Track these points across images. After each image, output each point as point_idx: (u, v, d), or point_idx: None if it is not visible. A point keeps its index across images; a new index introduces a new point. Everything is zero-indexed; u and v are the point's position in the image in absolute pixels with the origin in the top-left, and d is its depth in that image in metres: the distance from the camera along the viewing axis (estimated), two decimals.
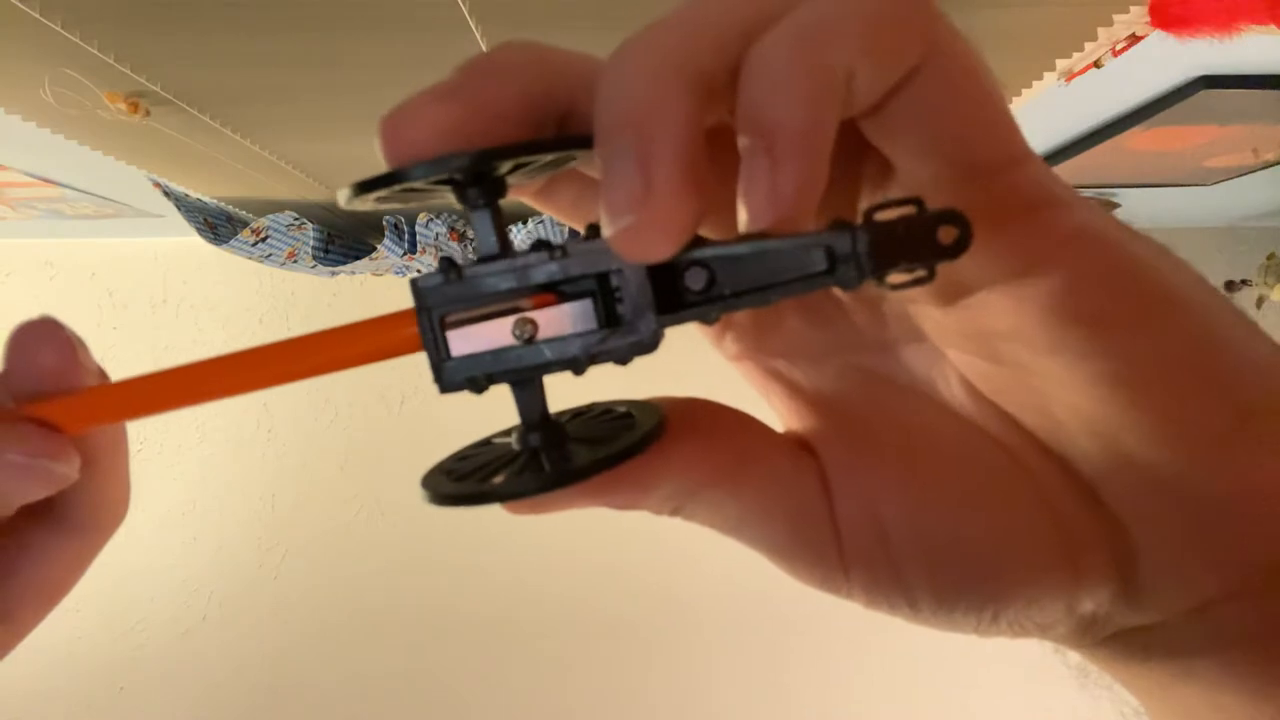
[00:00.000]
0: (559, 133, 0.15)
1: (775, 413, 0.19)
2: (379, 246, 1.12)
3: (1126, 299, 0.14)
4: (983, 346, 0.16)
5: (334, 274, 1.20)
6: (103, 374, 0.18)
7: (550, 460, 0.16)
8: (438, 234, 1.14)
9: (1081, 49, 0.65)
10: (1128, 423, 0.15)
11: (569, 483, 0.15)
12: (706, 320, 0.15)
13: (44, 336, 0.16)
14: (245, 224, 1.11)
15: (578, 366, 0.15)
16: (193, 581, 1.43)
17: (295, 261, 1.13)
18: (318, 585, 1.45)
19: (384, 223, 1.12)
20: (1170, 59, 0.70)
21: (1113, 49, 0.64)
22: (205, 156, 0.86)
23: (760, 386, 0.20)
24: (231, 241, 1.07)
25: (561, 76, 0.15)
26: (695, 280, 0.15)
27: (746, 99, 0.13)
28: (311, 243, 1.12)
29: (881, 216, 0.13)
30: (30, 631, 0.20)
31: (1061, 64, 0.68)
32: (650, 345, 0.15)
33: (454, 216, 1.16)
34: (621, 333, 0.15)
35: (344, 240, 1.20)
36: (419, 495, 0.16)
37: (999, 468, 0.17)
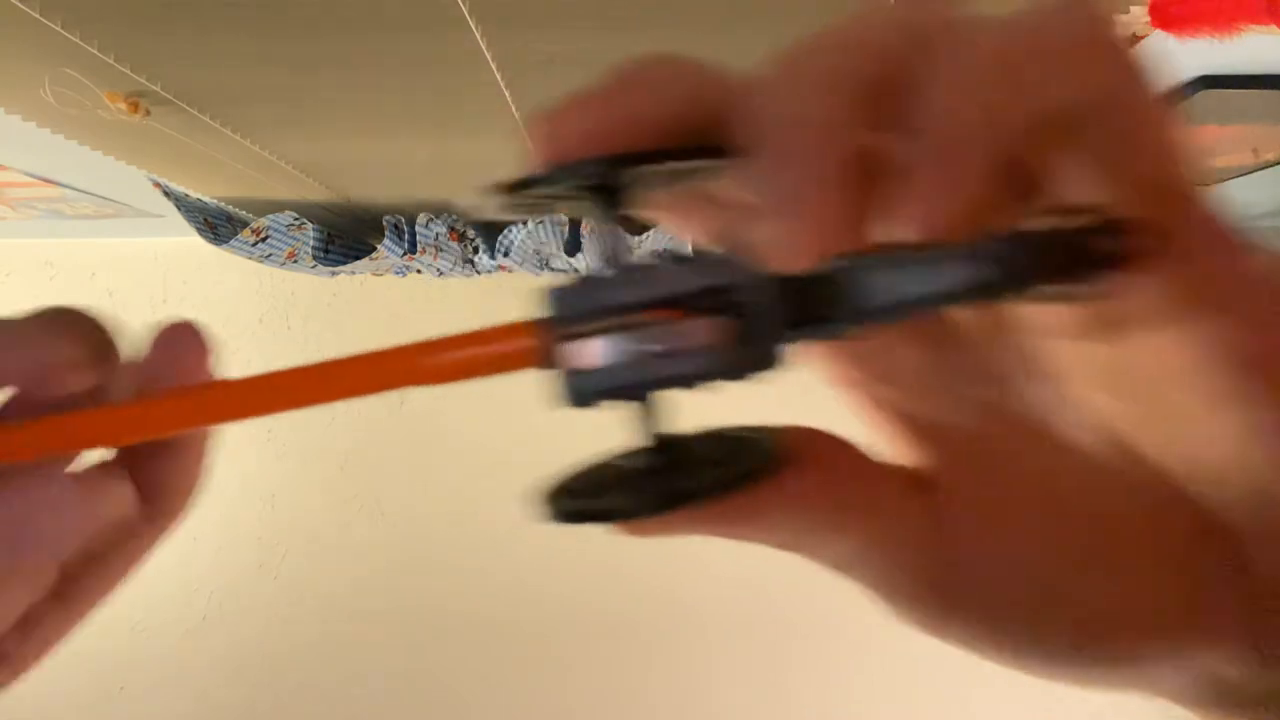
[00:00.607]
0: (698, 143, 0.14)
1: (883, 441, 0.18)
2: (379, 246, 1.12)
3: None
4: (1127, 385, 0.15)
5: (334, 274, 1.20)
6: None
7: (664, 482, 0.15)
8: (438, 234, 1.14)
9: None
10: None
11: (679, 506, 0.14)
12: (840, 337, 0.14)
13: (191, 339, 0.18)
14: (245, 224, 1.11)
15: (701, 383, 0.14)
16: (193, 581, 1.43)
17: (295, 261, 1.13)
18: (318, 585, 1.45)
19: (384, 222, 1.12)
20: (1170, 59, 0.70)
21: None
22: (205, 156, 0.86)
23: (864, 412, 0.19)
24: (231, 241, 1.07)
25: (708, 88, 0.14)
26: (832, 295, 0.14)
27: (931, 106, 0.12)
28: (311, 243, 1.12)
29: (1041, 226, 0.12)
30: (88, 616, 0.20)
31: None
32: (778, 363, 0.14)
33: (454, 217, 1.16)
34: (749, 349, 0.14)
35: (344, 240, 1.20)
36: (538, 509, 0.15)
37: (1127, 517, 0.16)
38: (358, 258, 1.15)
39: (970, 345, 0.17)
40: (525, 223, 1.12)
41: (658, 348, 0.14)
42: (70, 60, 0.60)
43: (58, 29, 0.54)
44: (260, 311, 1.46)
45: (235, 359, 1.44)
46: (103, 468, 0.18)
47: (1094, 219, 0.12)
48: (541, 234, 1.13)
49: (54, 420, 0.16)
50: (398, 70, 0.63)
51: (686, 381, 0.14)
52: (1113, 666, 0.15)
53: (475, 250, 1.19)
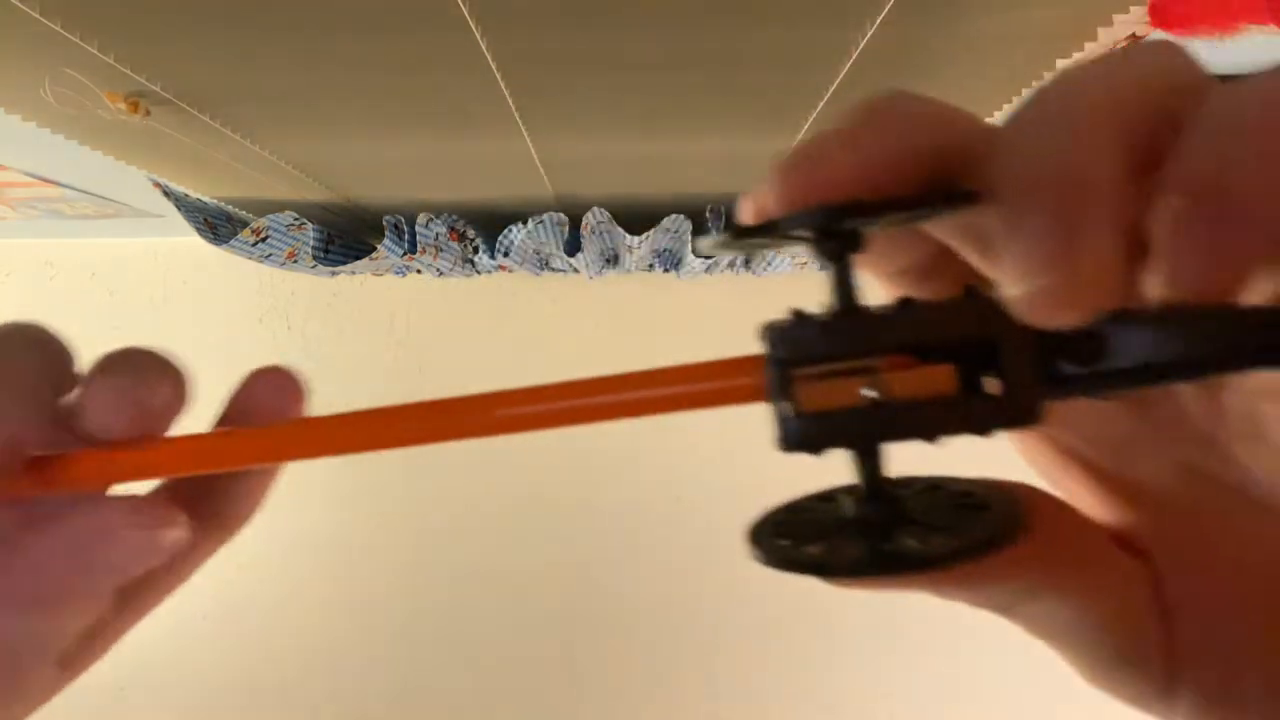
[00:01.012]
0: (939, 188, 0.14)
1: (1072, 499, 0.17)
2: (379, 246, 1.12)
3: None
4: None
5: (334, 274, 1.20)
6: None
7: (887, 541, 0.14)
8: (438, 234, 1.14)
9: (1082, 49, 0.65)
10: None
11: (906, 571, 0.14)
12: (1098, 397, 0.14)
13: (285, 386, 0.19)
14: (245, 224, 1.11)
15: (931, 435, 0.14)
16: (193, 581, 1.43)
17: (295, 261, 1.13)
18: (318, 585, 1.45)
19: (384, 222, 1.12)
20: None
21: (1113, 49, 0.64)
22: (205, 156, 0.86)
23: (1052, 466, 0.18)
24: (231, 241, 1.07)
25: (952, 129, 0.14)
26: (1092, 352, 0.13)
27: (1201, 157, 0.12)
28: (311, 243, 1.12)
29: None
30: (140, 620, 0.21)
31: (1062, 64, 0.68)
32: (1028, 419, 0.13)
33: (454, 217, 1.16)
34: (992, 403, 0.13)
35: (344, 240, 1.20)
36: (747, 548, 0.15)
37: None
38: (358, 258, 1.15)
39: (1179, 405, 0.16)
40: (525, 222, 1.12)
41: (884, 397, 0.14)
42: (70, 60, 0.60)
43: (58, 29, 0.54)
44: (260, 311, 1.46)
45: (235, 359, 1.44)
46: (165, 494, 0.19)
47: None
48: (541, 234, 1.13)
49: (123, 451, 0.17)
50: (398, 70, 0.63)
51: (914, 434, 0.14)
52: None
53: (475, 250, 1.19)
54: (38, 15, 0.52)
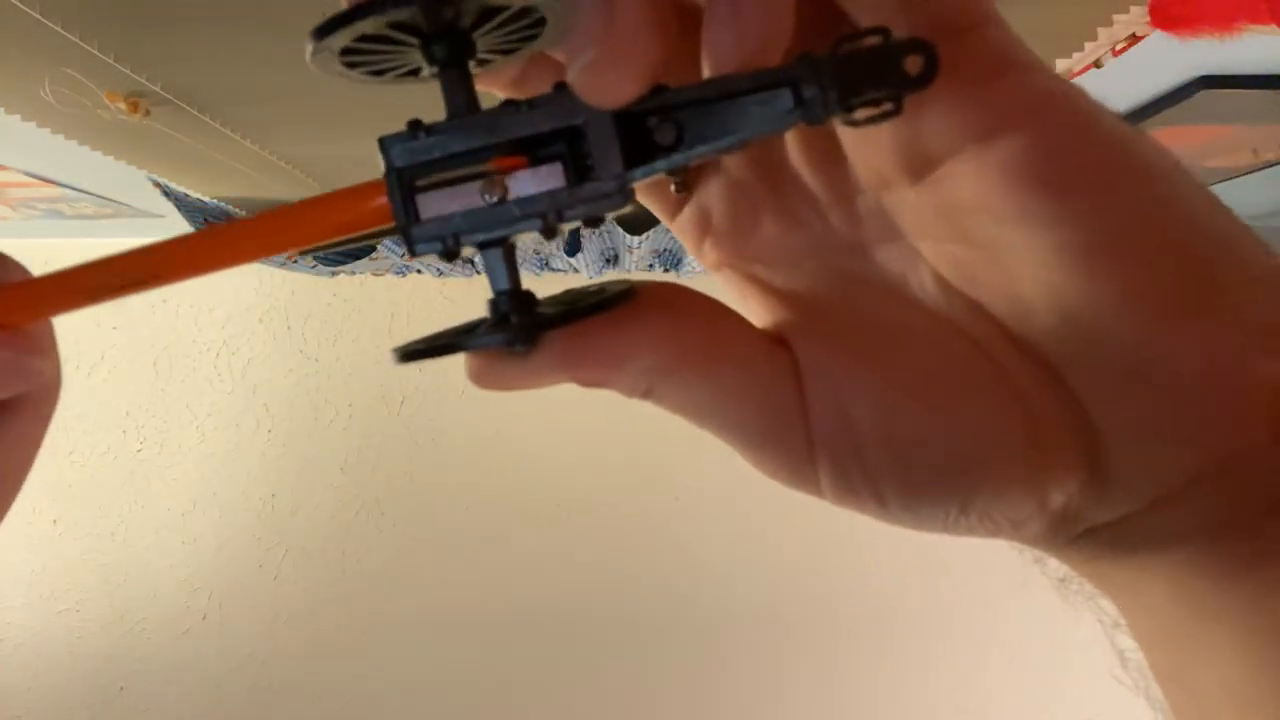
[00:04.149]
0: None
1: (751, 315, 0.19)
2: (379, 246, 1.12)
3: (1090, 164, 0.14)
4: (952, 228, 0.16)
5: (334, 274, 1.20)
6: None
7: (519, 320, 0.15)
8: None
9: (1081, 49, 0.65)
10: (1091, 296, 0.14)
11: (535, 334, 0.15)
12: (676, 171, 0.15)
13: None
14: None
15: (548, 226, 0.15)
16: (193, 581, 1.43)
17: (295, 261, 1.13)
18: (318, 585, 1.45)
19: None
20: (1170, 59, 0.70)
21: (1113, 49, 0.64)
22: (205, 156, 0.86)
23: (738, 292, 0.20)
24: None
25: None
26: (665, 135, 0.14)
27: None
28: None
29: (846, 50, 0.13)
30: None
31: (1061, 64, 0.68)
32: (620, 199, 0.15)
33: None
34: (590, 188, 0.15)
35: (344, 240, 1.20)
36: (389, 359, 0.16)
37: (968, 361, 0.17)
38: (358, 258, 1.15)
39: (828, 216, 0.19)
40: None
41: (502, 195, 0.15)
42: (70, 60, 0.60)
43: (58, 29, 0.54)
44: (260, 311, 1.46)
45: (235, 359, 1.45)
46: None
47: (885, 40, 0.13)
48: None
49: None
50: None
51: (532, 225, 0.15)
52: (971, 498, 0.16)
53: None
54: (38, 15, 0.52)
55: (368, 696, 1.45)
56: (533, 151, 0.15)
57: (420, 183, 0.15)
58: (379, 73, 0.16)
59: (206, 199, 1.09)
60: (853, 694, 1.47)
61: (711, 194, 0.20)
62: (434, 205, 0.15)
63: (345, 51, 0.14)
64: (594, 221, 0.15)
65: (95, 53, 0.58)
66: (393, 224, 0.15)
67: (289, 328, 1.45)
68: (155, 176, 0.98)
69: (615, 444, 1.44)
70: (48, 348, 0.19)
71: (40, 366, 0.18)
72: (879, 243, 0.18)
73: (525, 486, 1.45)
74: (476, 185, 0.15)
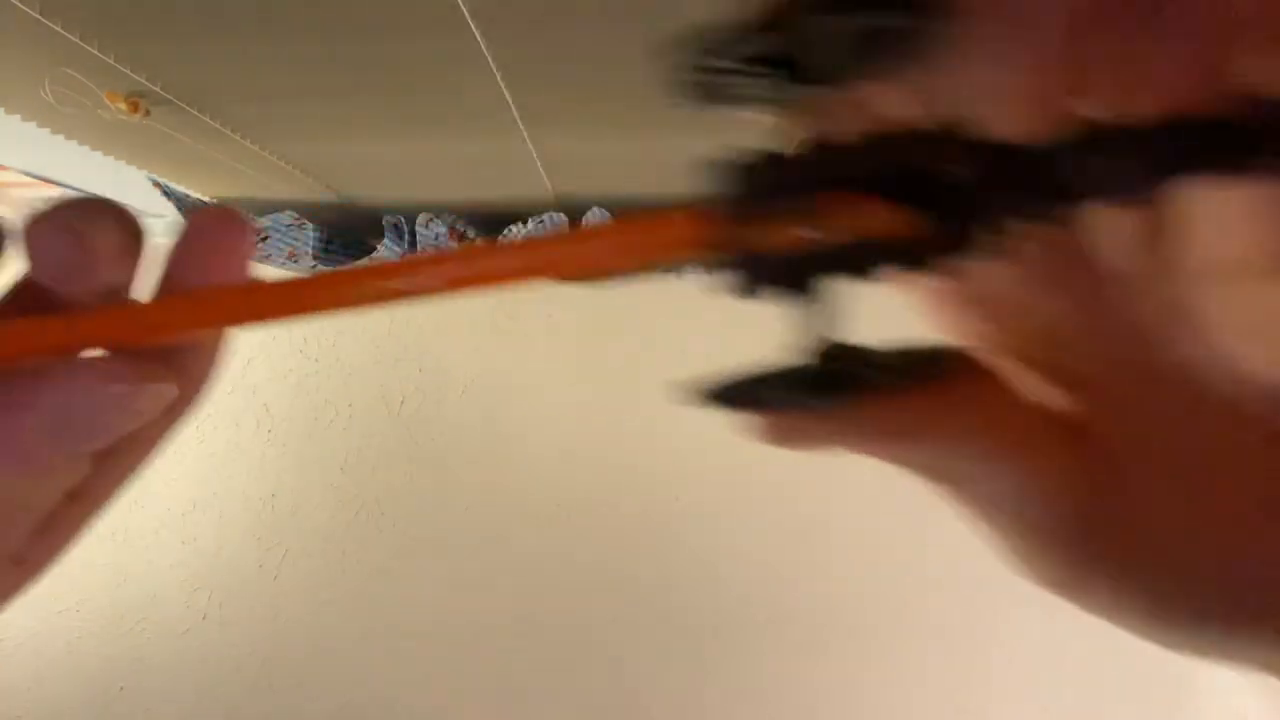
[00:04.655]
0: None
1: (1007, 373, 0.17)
2: (379, 246, 1.12)
3: None
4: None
5: None
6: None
7: (828, 378, 0.14)
8: (438, 234, 1.14)
9: None
10: None
11: (839, 399, 0.13)
12: (1049, 220, 0.13)
13: (230, 227, 0.17)
14: None
15: (874, 273, 0.13)
16: (193, 581, 1.43)
17: (295, 261, 1.13)
18: (318, 585, 1.45)
19: (384, 222, 1.12)
20: None
21: None
22: (205, 156, 0.86)
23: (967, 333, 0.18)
24: None
25: None
26: (1046, 172, 0.13)
27: None
28: (311, 243, 1.12)
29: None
30: (98, 515, 0.19)
31: None
32: (966, 247, 0.13)
33: (454, 217, 1.16)
34: (948, 230, 0.13)
35: (344, 240, 1.20)
36: (694, 397, 0.14)
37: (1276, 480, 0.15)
38: (358, 258, 1.15)
39: (1115, 298, 0.16)
40: (525, 222, 1.12)
41: (839, 236, 0.13)
42: (70, 60, 0.60)
43: (58, 29, 0.54)
44: None
45: (235, 359, 1.44)
46: (146, 357, 0.17)
47: None
48: (542, 234, 1.13)
49: (100, 315, 0.16)
50: (398, 70, 0.63)
51: (866, 272, 0.13)
52: (1241, 631, 0.14)
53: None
54: (38, 15, 0.52)
55: (368, 696, 1.45)
56: (879, 187, 0.13)
57: (750, 214, 0.14)
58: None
59: (206, 199, 1.09)
60: (853, 694, 1.47)
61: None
62: (758, 241, 0.14)
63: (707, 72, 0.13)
64: (929, 270, 0.14)
65: (95, 53, 0.58)
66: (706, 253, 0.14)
67: (289, 328, 1.45)
68: (155, 176, 0.98)
69: (615, 444, 1.44)
70: (179, 359, 0.18)
71: (159, 391, 0.17)
72: (1179, 331, 0.15)
73: (525, 486, 1.44)
74: (809, 222, 0.13)
